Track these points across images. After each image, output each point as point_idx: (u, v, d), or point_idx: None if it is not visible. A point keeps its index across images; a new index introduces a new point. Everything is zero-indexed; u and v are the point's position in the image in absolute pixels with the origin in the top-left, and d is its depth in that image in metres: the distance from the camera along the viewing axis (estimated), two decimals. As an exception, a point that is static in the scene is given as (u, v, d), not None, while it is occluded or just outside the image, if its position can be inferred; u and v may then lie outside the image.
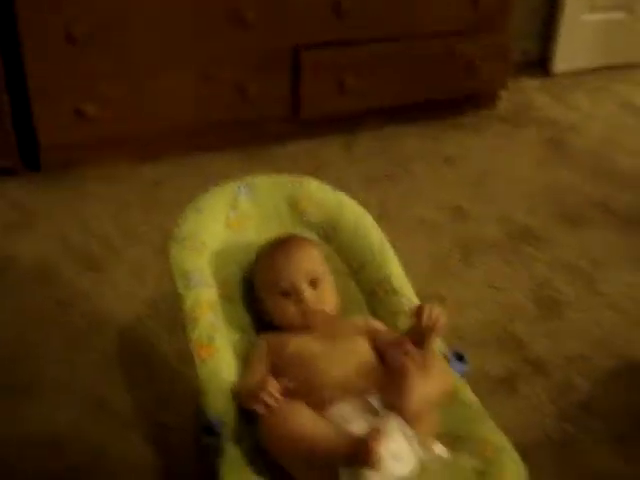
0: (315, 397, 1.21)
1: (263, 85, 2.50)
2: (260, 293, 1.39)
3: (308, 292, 1.34)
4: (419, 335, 1.28)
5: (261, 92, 2.51)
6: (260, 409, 1.16)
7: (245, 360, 1.33)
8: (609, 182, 2.56)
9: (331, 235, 1.55)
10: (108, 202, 2.33)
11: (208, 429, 1.22)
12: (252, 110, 2.55)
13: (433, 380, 1.17)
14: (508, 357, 1.82)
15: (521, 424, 1.61)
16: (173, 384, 1.71)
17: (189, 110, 2.47)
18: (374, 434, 1.05)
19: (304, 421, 1.14)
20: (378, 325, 1.40)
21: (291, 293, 1.34)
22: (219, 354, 1.31)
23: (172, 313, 1.87)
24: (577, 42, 3.31)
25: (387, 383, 1.18)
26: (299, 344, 1.32)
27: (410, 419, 1.13)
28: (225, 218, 1.51)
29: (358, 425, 1.14)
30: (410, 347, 1.20)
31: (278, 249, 1.41)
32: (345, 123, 2.75)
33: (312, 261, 1.40)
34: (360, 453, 1.04)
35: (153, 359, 1.78)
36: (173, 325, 1.83)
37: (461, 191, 2.48)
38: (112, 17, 2.26)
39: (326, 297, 1.37)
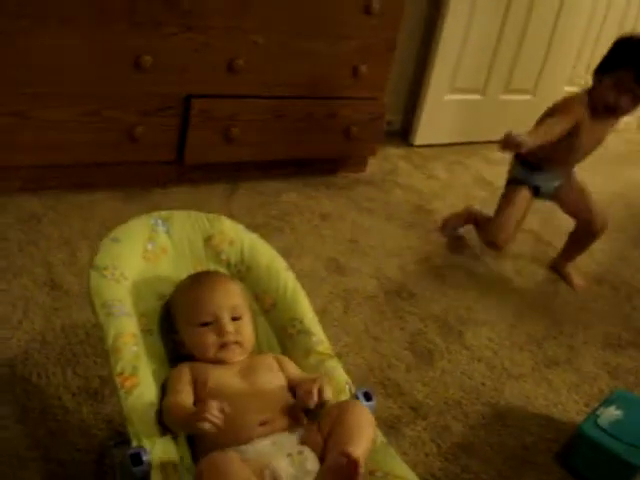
0: (235, 433, 1.26)
1: (151, 129, 2.53)
2: (180, 324, 1.42)
3: (230, 325, 1.40)
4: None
5: (149, 135, 2.53)
6: (205, 426, 1.19)
7: (167, 383, 1.35)
8: (469, 245, 2.80)
9: (244, 273, 1.61)
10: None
11: (135, 457, 1.23)
12: (138, 152, 2.56)
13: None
14: (391, 401, 1.93)
15: (408, 464, 1.71)
16: (66, 418, 1.67)
17: (74, 145, 2.44)
18: None
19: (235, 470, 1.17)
20: (290, 364, 1.47)
21: (213, 325, 1.39)
22: (143, 384, 1.32)
23: (61, 347, 1.86)
24: (437, 118, 3.61)
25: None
26: (219, 378, 1.36)
27: None
28: (143, 250, 1.53)
29: (278, 463, 1.21)
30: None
31: (201, 282, 1.46)
32: (227, 173, 2.84)
33: (235, 296, 1.46)
34: None
35: (44, 394, 1.73)
36: (63, 359, 1.81)
37: (337, 247, 2.61)
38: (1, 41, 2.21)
39: (245, 332, 1.43)
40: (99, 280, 1.43)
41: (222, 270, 1.60)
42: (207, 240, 1.61)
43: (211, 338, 1.39)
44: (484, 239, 2.67)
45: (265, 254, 1.64)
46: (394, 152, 3.50)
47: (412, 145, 3.62)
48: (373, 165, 3.27)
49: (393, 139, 3.61)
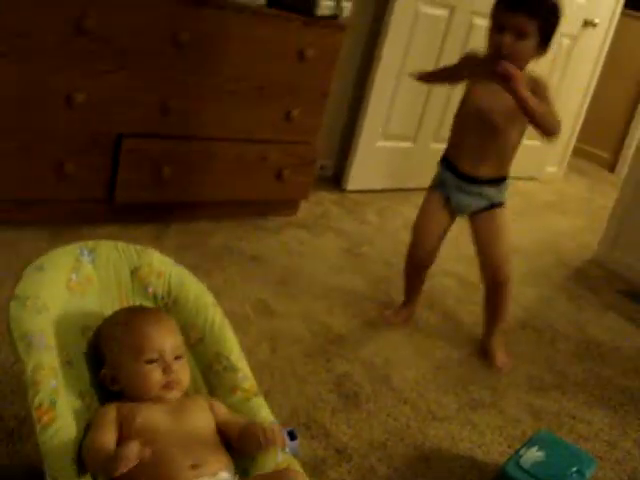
0: (163, 476, 1.25)
1: (82, 166, 2.51)
2: (119, 360, 1.40)
3: (174, 364, 1.39)
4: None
5: (79, 173, 2.51)
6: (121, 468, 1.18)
7: (92, 423, 1.32)
8: (397, 289, 2.82)
9: (170, 306, 1.60)
10: None
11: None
12: (67, 190, 2.54)
13: None
14: (315, 443, 1.92)
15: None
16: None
17: (1, 180, 2.40)
18: None
19: None
20: (221, 406, 1.45)
21: (157, 362, 1.38)
22: (61, 419, 1.29)
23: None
24: (369, 164, 3.67)
25: None
26: (148, 417, 1.34)
27: None
28: (67, 280, 1.50)
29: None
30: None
31: (145, 317, 1.45)
32: (157, 213, 2.82)
33: (176, 335, 1.46)
34: None
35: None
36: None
37: (266, 289, 2.61)
38: None
39: (185, 372, 1.43)
40: (20, 310, 1.40)
41: (149, 303, 1.59)
42: (134, 272, 1.60)
43: (157, 376, 1.38)
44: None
45: (193, 288, 1.64)
46: (326, 196, 3.55)
47: (344, 190, 3.67)
48: (305, 209, 3.30)
49: (326, 184, 3.67)
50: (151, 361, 1.38)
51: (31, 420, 1.28)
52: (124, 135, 2.57)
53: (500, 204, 2.39)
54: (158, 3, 2.47)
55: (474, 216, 2.42)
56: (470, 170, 2.35)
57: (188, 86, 2.64)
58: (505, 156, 2.35)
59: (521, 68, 2.17)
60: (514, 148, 2.35)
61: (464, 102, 2.36)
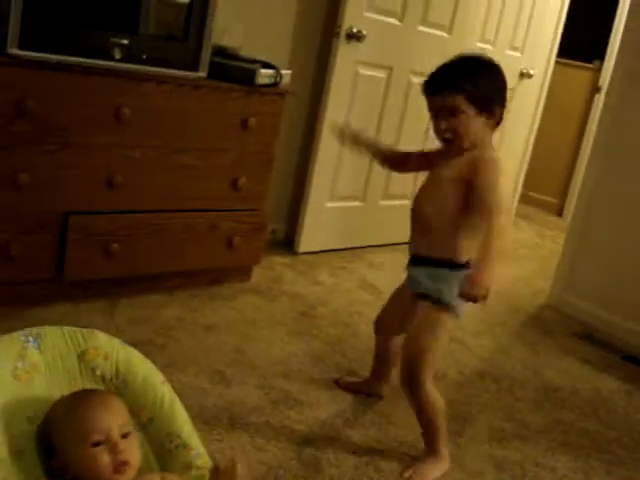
0: None
1: (29, 246, 2.50)
2: (67, 446, 1.38)
3: (122, 443, 1.36)
4: None
5: (26, 253, 2.49)
6: None
7: None
8: (354, 350, 2.82)
9: (121, 388, 1.59)
10: None
11: None
12: (15, 271, 2.51)
13: None
14: (278, 513, 1.90)
15: None
16: None
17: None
18: None
19: None
20: (174, 478, 1.44)
21: (104, 443, 1.36)
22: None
23: None
24: (320, 226, 3.70)
25: None
26: None
27: None
28: (13, 369, 1.49)
29: None
30: None
31: (88, 401, 1.43)
32: (108, 288, 2.80)
33: (122, 414, 1.44)
34: None
35: None
36: None
37: (222, 358, 2.59)
38: None
39: (134, 450, 1.41)
40: (-36, 404, 1.38)
41: (98, 386, 1.58)
42: (81, 355, 1.60)
43: (105, 459, 1.36)
44: None
45: (141, 368, 1.64)
46: (279, 260, 3.56)
47: (297, 253, 3.69)
48: (258, 274, 3.31)
49: (278, 247, 3.69)
50: (97, 444, 1.36)
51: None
52: (70, 213, 2.56)
53: (445, 304, 2.14)
54: (98, 80, 2.50)
55: (418, 301, 2.20)
56: (421, 251, 2.20)
57: (133, 160, 2.65)
58: (449, 240, 2.16)
59: (472, 144, 2.07)
60: (462, 237, 2.18)
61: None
